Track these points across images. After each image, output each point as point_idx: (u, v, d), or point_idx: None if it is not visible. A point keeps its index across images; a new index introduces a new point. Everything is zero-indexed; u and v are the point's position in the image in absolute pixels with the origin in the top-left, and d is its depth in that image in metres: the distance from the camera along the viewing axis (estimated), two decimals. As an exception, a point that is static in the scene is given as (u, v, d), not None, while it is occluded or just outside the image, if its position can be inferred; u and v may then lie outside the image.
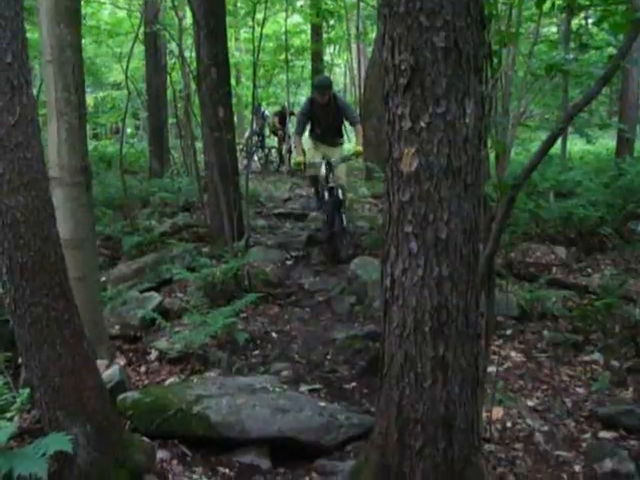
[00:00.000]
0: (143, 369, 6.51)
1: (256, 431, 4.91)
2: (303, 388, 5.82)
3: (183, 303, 7.78)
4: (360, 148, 10.34)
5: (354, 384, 5.99)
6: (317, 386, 5.92)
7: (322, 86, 10.48)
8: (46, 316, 4.20)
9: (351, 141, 14.45)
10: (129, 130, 28.71)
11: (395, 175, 3.57)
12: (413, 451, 3.70)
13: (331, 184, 10.38)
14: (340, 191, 10.41)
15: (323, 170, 10.61)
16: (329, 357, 6.64)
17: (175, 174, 17.21)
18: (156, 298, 8.03)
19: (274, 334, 7.42)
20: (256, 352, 6.91)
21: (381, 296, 3.80)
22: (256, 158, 22.75)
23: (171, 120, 22.35)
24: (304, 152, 11.24)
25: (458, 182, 3.47)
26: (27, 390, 4.58)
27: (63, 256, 4.39)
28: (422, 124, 3.43)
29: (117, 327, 7.45)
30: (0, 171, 4.02)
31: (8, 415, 4.53)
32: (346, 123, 11.08)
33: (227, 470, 4.78)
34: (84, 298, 5.77)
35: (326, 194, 10.48)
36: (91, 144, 21.03)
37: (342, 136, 11.22)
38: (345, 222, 10.48)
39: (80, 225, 6.05)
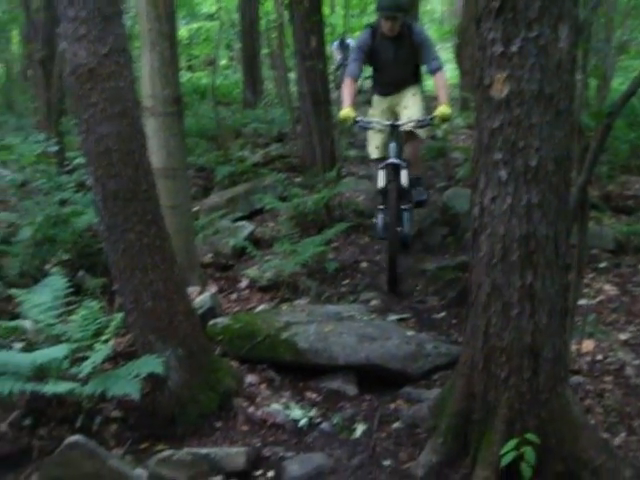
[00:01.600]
0: (234, 296, 6.65)
1: (343, 358, 4.99)
2: (391, 317, 5.88)
3: (274, 232, 7.89)
4: (446, 109, 6.68)
5: (443, 314, 6.02)
6: (405, 315, 5.96)
7: (388, 6, 6.90)
8: (138, 243, 4.34)
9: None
10: (223, 61, 28.86)
11: (486, 102, 3.54)
12: (498, 380, 3.71)
13: (392, 159, 6.81)
14: (405, 173, 6.86)
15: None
16: (419, 288, 6.67)
17: (268, 105, 17.28)
18: (248, 227, 8.18)
19: (364, 264, 7.47)
20: (346, 281, 6.99)
21: (470, 225, 3.80)
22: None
23: (264, 51, 22.38)
24: (363, 107, 8.25)
25: (549, 109, 3.42)
26: (121, 314, 4.75)
27: (155, 184, 4.51)
28: (514, 49, 3.39)
29: (209, 256, 7.61)
30: (94, 100, 4.13)
31: (103, 338, 4.71)
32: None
33: (314, 395, 4.89)
34: (177, 226, 5.92)
35: (381, 176, 6.89)
36: (185, 76, 21.24)
37: (418, 78, 7.55)
38: (409, 228, 7.20)
39: (172, 154, 6.17)
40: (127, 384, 4.19)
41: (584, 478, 3.60)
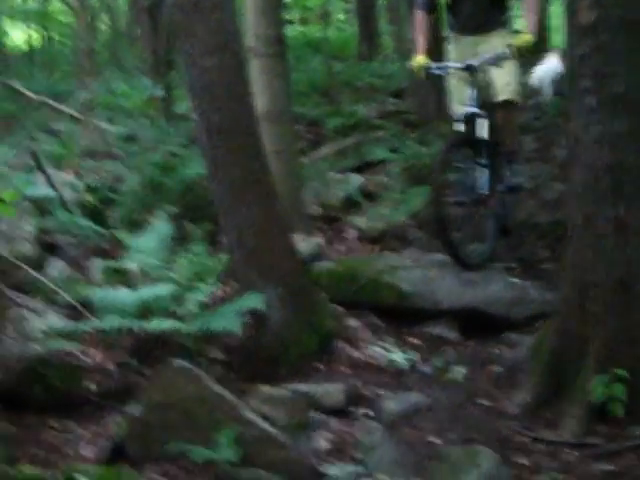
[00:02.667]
0: (342, 248, 6.94)
1: (447, 302, 5.30)
2: (497, 265, 6.08)
3: (385, 185, 8.11)
4: (527, 37, 5.68)
5: (551, 265, 6.18)
6: (512, 265, 6.15)
7: None
8: (242, 177, 4.67)
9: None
10: (340, 15, 29.01)
11: (574, 28, 3.81)
12: (592, 316, 3.93)
13: (470, 109, 5.84)
14: (483, 122, 5.86)
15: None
16: (529, 240, 6.84)
17: (387, 59, 17.39)
18: (358, 179, 8.42)
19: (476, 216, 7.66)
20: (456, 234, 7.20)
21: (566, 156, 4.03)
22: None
23: (382, 2, 22.45)
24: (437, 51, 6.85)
25: (636, 35, 3.65)
26: (225, 257, 5.12)
27: (256, 119, 4.85)
28: (600, -26, 3.60)
29: (317, 207, 7.91)
30: (197, 32, 4.49)
31: (208, 279, 5.08)
32: None
33: (416, 340, 5.19)
34: (282, 171, 6.23)
35: (457, 129, 5.90)
36: (297, 30, 21.59)
37: (504, 14, 6.19)
38: (488, 186, 6.03)
39: (276, 97, 6.48)
40: (228, 320, 4.54)
41: (678, 419, 3.80)
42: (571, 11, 3.79)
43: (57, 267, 5.92)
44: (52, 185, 6.76)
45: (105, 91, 9.56)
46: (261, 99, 6.15)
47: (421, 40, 6.02)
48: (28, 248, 6.03)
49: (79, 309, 5.03)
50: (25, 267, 5.44)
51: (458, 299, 5.28)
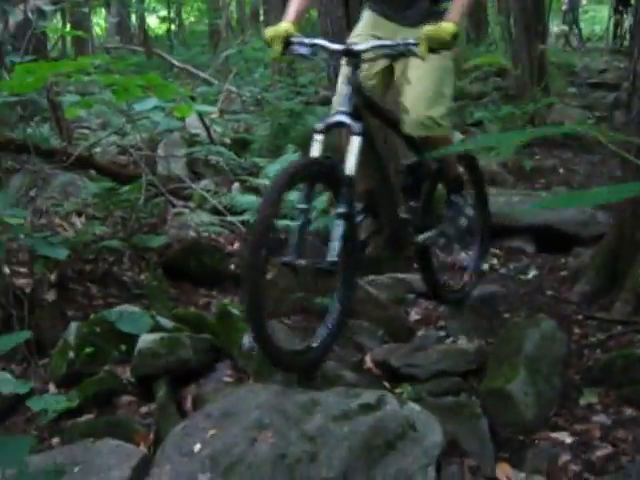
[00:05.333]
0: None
1: (524, 221, 5.98)
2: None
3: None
4: (448, 25, 3.39)
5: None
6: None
7: None
8: None
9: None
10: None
11: None
12: (643, 222, 4.47)
13: (338, 116, 3.51)
14: (357, 141, 3.49)
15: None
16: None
17: (491, 45, 17.93)
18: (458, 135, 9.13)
19: (561, 170, 8.33)
20: (542, 180, 7.96)
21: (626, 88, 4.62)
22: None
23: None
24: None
25: None
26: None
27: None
28: None
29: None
30: None
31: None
32: None
33: (497, 251, 5.86)
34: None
35: (315, 146, 3.47)
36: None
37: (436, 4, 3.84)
38: (338, 251, 3.43)
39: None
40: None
41: None
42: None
43: (204, 184, 6.83)
44: (202, 122, 7.68)
45: (241, 49, 10.43)
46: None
47: (293, 8, 3.84)
48: (182, 168, 7.00)
49: (222, 210, 5.93)
50: (180, 180, 6.39)
51: (534, 218, 5.94)
